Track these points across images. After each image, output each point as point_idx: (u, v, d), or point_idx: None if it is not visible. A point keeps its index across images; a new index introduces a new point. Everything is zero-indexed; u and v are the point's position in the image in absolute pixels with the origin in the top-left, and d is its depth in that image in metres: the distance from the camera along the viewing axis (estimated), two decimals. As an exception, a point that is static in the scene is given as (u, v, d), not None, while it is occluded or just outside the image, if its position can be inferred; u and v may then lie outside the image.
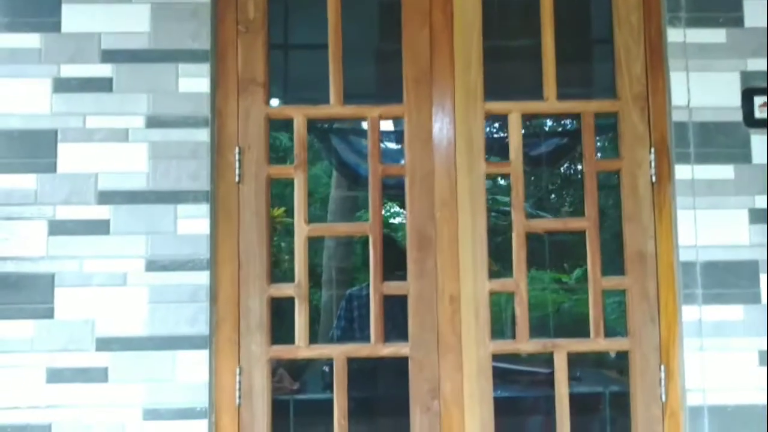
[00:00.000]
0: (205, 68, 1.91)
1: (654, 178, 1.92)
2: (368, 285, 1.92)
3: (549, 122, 5.85)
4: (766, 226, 1.87)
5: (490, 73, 1.94)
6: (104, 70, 1.90)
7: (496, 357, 1.89)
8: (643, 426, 1.88)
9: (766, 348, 1.84)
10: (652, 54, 1.95)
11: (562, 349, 1.90)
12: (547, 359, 2.06)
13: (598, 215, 1.92)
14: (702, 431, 1.83)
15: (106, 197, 1.87)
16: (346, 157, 4.96)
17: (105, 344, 1.84)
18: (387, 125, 3.92)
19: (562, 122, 5.93)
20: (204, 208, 1.88)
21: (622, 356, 1.93)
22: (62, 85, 1.89)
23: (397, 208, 8.41)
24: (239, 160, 1.91)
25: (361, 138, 5.12)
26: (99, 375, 1.83)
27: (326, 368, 4.47)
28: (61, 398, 1.82)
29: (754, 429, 1.84)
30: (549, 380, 1.92)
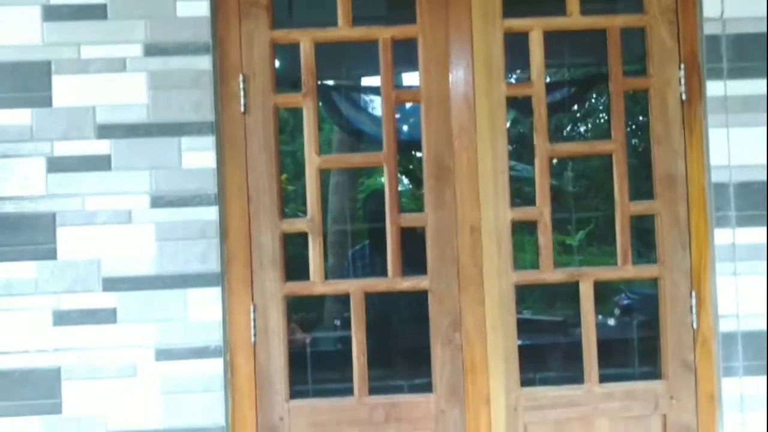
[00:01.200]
0: (204, -10, 1.80)
1: (684, 96, 1.81)
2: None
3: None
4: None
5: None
6: (97, -5, 1.79)
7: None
8: (674, 355, 1.81)
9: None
10: (682, -37, 1.82)
11: (588, 277, 1.82)
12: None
13: (625, 137, 1.82)
14: (735, 358, 1.78)
15: (105, 131, 1.78)
16: (349, 115, 4.83)
17: (112, 284, 1.76)
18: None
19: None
20: (209, 141, 1.78)
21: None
22: (54, 13, 1.78)
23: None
24: (244, 89, 1.80)
25: (363, 95, 4.99)
26: (107, 316, 1.76)
27: (338, 321, 4.46)
28: (69, 341, 1.75)
29: (790, 354, 1.78)
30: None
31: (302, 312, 4.33)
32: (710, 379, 1.81)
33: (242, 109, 1.81)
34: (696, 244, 1.81)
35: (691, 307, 1.80)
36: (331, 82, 4.57)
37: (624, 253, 1.82)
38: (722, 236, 1.79)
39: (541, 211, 1.83)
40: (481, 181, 1.82)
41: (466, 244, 1.82)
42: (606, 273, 1.86)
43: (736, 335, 1.78)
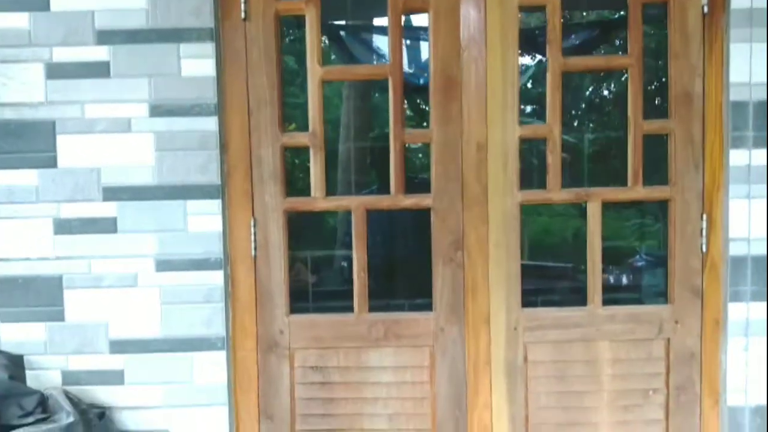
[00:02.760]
0: None
1: (706, 9, 1.72)
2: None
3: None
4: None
5: None
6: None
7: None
8: (681, 279, 1.77)
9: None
10: None
11: (596, 197, 1.77)
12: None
13: (642, 51, 1.74)
14: (744, 282, 1.73)
15: (104, 37, 1.72)
16: (360, 56, 4.72)
17: (112, 193, 1.75)
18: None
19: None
20: (208, 48, 1.72)
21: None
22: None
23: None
24: (245, -5, 1.74)
25: (373, 34, 4.86)
26: (108, 225, 1.75)
27: (345, 263, 4.46)
28: (70, 249, 1.76)
29: (801, 280, 1.73)
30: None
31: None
32: (716, 304, 1.77)
33: (243, 15, 1.74)
34: (710, 165, 1.74)
35: (701, 230, 1.75)
36: (342, 22, 4.46)
37: (635, 173, 1.75)
38: (737, 157, 1.71)
39: (551, 128, 1.77)
40: (490, 95, 1.75)
41: (472, 161, 1.77)
42: (615, 193, 1.80)
43: (745, 259, 1.73)
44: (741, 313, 1.74)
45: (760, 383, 1.74)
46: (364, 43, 4.59)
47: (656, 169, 1.81)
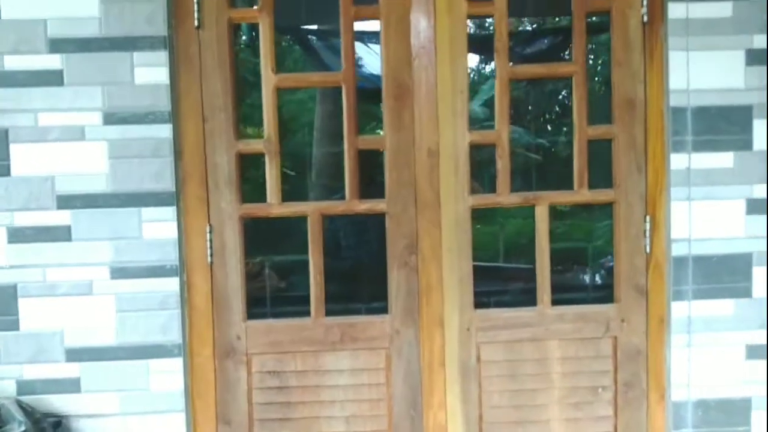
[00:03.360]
0: None
1: (646, 18, 1.78)
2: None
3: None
4: (766, 68, 1.77)
5: None
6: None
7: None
8: (627, 279, 1.84)
9: (754, 197, 1.79)
10: None
11: (544, 200, 1.82)
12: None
13: (585, 59, 1.80)
14: (686, 281, 1.80)
15: (57, 45, 1.72)
16: (329, 61, 4.76)
17: (66, 201, 1.75)
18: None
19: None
20: (162, 56, 1.74)
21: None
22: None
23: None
24: (198, 3, 1.75)
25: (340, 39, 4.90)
26: (62, 233, 1.75)
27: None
28: (24, 257, 1.75)
29: (740, 277, 1.80)
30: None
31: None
32: (660, 302, 1.84)
33: (196, 23, 1.76)
34: (652, 168, 1.81)
35: (645, 231, 1.82)
36: (313, 27, 4.49)
37: (580, 176, 1.82)
38: (678, 161, 1.78)
39: (500, 134, 1.82)
40: (440, 102, 1.80)
41: (424, 167, 1.81)
42: (561, 197, 1.87)
43: (687, 259, 1.80)
44: (683, 311, 1.81)
45: (702, 378, 1.81)
46: (332, 47, 4.62)
47: (607, 172, 1.87)
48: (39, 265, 1.75)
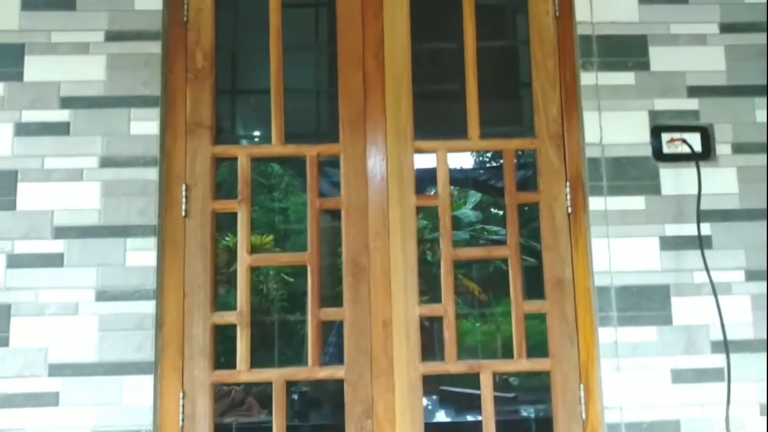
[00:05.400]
0: (155, 112, 2.07)
1: (570, 210, 2.06)
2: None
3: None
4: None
5: (420, 113, 2.11)
6: (62, 115, 2.06)
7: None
8: (566, 444, 1.99)
9: (677, 367, 1.97)
10: (567, 96, 2.12)
11: (487, 369, 2.02)
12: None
13: (518, 244, 2.07)
14: (620, 448, 1.95)
15: (61, 232, 1.99)
16: (324, 189, 5.13)
17: (57, 370, 1.95)
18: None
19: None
20: (152, 241, 2.01)
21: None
22: (23, 129, 2.06)
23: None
24: (186, 196, 2.05)
25: (336, 169, 5.32)
26: (50, 399, 1.93)
27: (295, 396, 4.57)
28: (13, 423, 1.93)
29: (667, 441, 1.95)
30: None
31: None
32: (600, 467, 1.98)
33: (183, 213, 2.05)
34: (583, 340, 2.01)
35: (580, 399, 1.99)
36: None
37: (519, 347, 2.02)
38: (606, 334, 1.99)
39: (446, 308, 2.05)
40: (393, 279, 2.05)
41: (380, 336, 2.03)
42: (503, 366, 2.06)
43: (620, 426, 1.95)
44: (620, 475, 1.94)
45: None
46: (328, 176, 4.99)
47: (543, 341, 2.07)
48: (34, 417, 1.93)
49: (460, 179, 7.45)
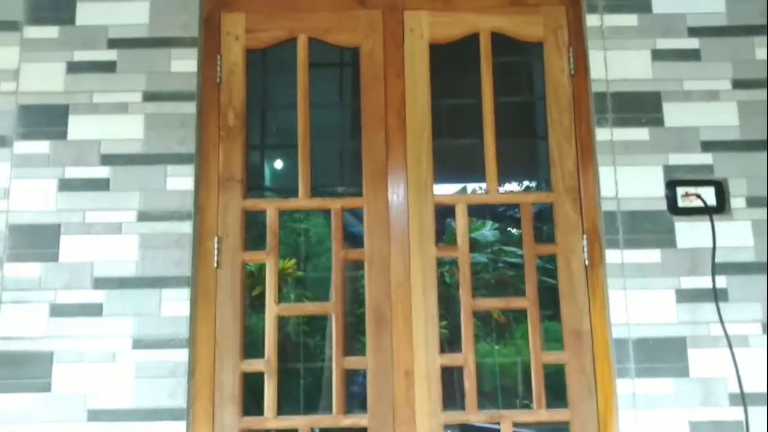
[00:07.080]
0: (190, 169, 2.20)
1: (587, 262, 2.12)
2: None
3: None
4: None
5: (440, 161, 2.19)
6: (103, 171, 2.19)
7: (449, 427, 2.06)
8: (586, 494, 2.02)
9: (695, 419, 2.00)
10: (583, 151, 2.19)
11: (507, 419, 2.07)
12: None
13: (537, 295, 2.12)
14: (639, 499, 1.97)
15: (101, 283, 2.10)
16: (353, 230, 5.25)
17: (95, 415, 2.04)
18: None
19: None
20: (185, 292, 2.11)
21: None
22: (66, 185, 2.19)
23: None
24: (218, 248, 2.16)
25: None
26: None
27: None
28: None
29: (687, 496, 1.97)
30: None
31: None
32: None
33: (215, 264, 2.16)
34: (602, 391, 2.05)
35: (599, 451, 2.03)
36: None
37: (538, 398, 2.07)
38: (624, 386, 2.03)
39: (466, 357, 2.11)
40: (415, 329, 2.11)
41: (401, 386, 2.09)
42: (522, 416, 2.10)
43: (639, 478, 1.98)
44: None
45: None
46: (358, 216, 5.13)
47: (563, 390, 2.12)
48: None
49: (477, 210, 7.60)
